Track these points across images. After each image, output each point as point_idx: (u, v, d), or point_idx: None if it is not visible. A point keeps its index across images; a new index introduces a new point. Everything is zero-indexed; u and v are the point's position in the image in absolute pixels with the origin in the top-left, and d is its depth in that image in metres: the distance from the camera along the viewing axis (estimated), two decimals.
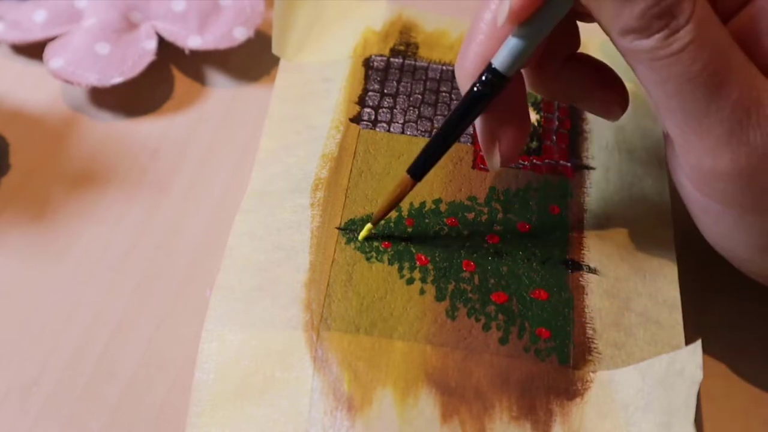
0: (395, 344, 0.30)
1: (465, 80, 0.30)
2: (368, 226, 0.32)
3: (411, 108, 0.37)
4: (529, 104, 0.38)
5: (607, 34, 0.27)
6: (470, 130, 0.36)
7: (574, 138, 0.37)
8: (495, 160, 0.31)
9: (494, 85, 0.29)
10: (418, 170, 0.31)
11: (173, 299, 0.34)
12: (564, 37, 0.31)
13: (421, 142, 0.36)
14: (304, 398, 0.28)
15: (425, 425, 0.28)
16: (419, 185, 0.33)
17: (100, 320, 0.33)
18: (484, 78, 0.29)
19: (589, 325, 0.31)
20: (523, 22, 0.28)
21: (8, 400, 0.31)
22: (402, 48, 0.40)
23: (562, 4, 0.27)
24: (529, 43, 0.28)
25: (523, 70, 0.31)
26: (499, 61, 0.29)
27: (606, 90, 0.32)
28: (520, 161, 0.36)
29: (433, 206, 0.34)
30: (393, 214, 0.33)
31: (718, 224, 0.29)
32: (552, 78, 0.31)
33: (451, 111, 0.30)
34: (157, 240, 0.35)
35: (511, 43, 0.28)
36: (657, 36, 0.26)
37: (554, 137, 0.37)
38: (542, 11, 0.27)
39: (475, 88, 0.29)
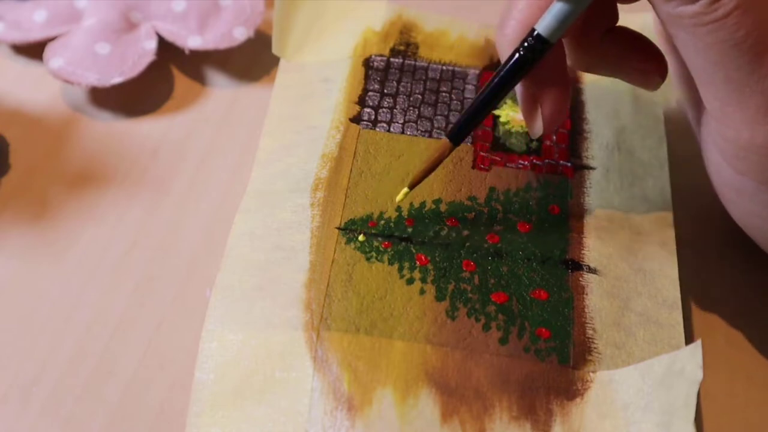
0: (395, 344, 0.30)
1: (506, 46, 0.30)
2: (405, 189, 0.33)
3: (411, 108, 0.37)
4: None
5: (651, 1, 0.27)
6: None
7: (574, 138, 0.37)
8: (537, 125, 0.31)
9: (537, 50, 0.29)
10: (458, 135, 0.32)
11: (173, 299, 0.34)
12: (603, 10, 0.31)
13: (422, 142, 0.36)
14: (304, 398, 0.28)
15: (425, 425, 0.28)
16: (419, 185, 0.33)
17: (100, 320, 0.33)
18: (527, 43, 0.29)
19: (589, 325, 0.31)
20: None
21: (8, 400, 0.31)
22: (402, 48, 0.40)
23: None
24: (574, 10, 0.28)
25: (563, 41, 0.31)
26: (543, 26, 0.29)
27: (645, 60, 0.32)
28: (520, 161, 0.36)
29: (433, 206, 0.34)
30: (393, 214, 0.33)
31: (752, 203, 0.29)
32: (591, 50, 0.31)
33: (493, 76, 0.30)
34: (157, 240, 0.35)
35: (556, 9, 0.29)
36: (702, 1, 0.26)
37: (554, 137, 0.37)
38: None
39: (518, 54, 0.30)
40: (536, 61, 0.30)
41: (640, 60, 0.32)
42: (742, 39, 0.26)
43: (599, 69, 0.33)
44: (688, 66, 0.28)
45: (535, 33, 0.29)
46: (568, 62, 0.32)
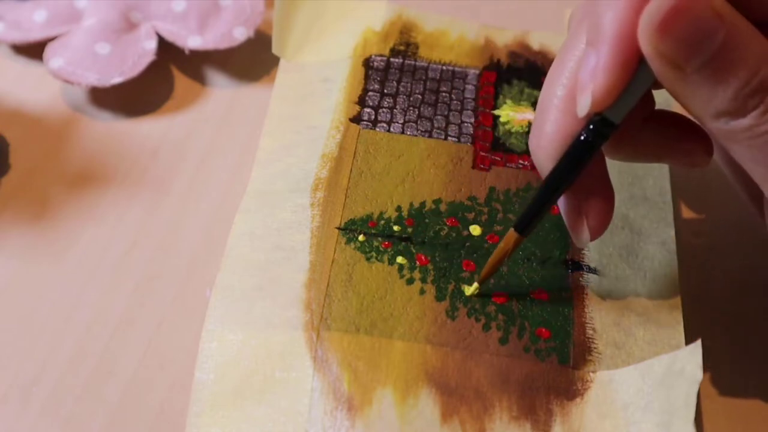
0: (395, 344, 0.30)
1: (545, 160, 0.29)
2: (475, 285, 0.31)
3: (411, 108, 0.37)
4: (529, 104, 0.38)
5: (698, 119, 0.26)
6: (470, 130, 0.36)
7: None
8: (584, 236, 0.30)
9: (601, 134, 0.27)
10: (525, 226, 0.30)
11: (173, 299, 0.34)
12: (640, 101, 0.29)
13: (422, 142, 0.36)
14: (304, 398, 0.28)
15: (425, 425, 0.28)
16: (419, 185, 0.33)
17: (100, 320, 0.33)
18: (591, 126, 0.27)
19: (589, 325, 0.31)
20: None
21: (8, 400, 0.31)
22: (402, 48, 0.40)
23: (646, 79, 0.26)
24: (638, 88, 0.27)
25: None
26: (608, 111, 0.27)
27: (688, 140, 0.30)
28: (520, 161, 0.36)
29: (433, 206, 0.34)
30: (393, 214, 0.33)
31: None
32: (633, 141, 0.30)
33: (555, 167, 0.28)
34: (157, 240, 0.35)
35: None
36: (753, 113, 0.25)
37: None
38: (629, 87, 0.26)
39: (582, 137, 0.28)
40: (601, 145, 0.28)
41: (682, 141, 0.30)
42: None
43: (644, 157, 0.31)
44: (746, 170, 0.27)
45: (600, 117, 0.27)
46: (609, 156, 0.30)
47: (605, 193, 0.30)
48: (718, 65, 0.24)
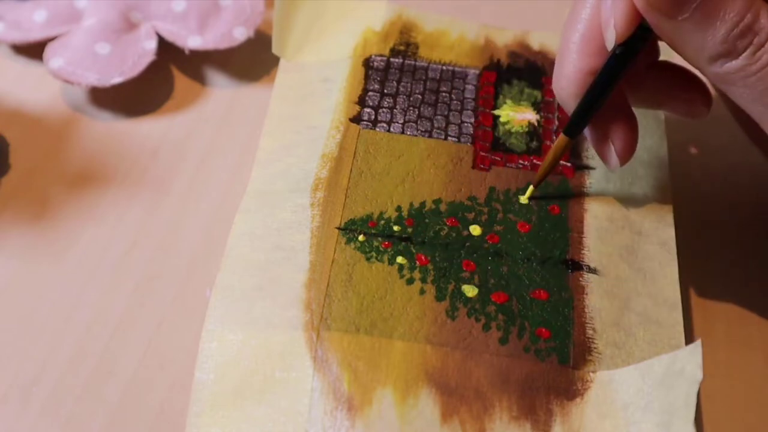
0: (395, 344, 0.30)
1: (568, 96, 0.32)
2: (531, 188, 0.34)
3: (411, 108, 0.37)
4: (529, 104, 0.38)
5: (696, 65, 0.29)
6: (470, 130, 0.36)
7: None
8: (613, 161, 0.33)
9: (641, 38, 0.30)
10: (574, 129, 0.33)
11: (173, 299, 0.34)
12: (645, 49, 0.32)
13: (422, 142, 0.36)
14: (304, 398, 0.28)
15: (425, 425, 0.28)
16: (419, 185, 0.33)
17: (100, 320, 0.33)
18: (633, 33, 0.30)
19: (589, 325, 0.31)
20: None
21: (8, 400, 0.31)
22: (402, 48, 0.40)
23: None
24: None
25: None
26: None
27: (689, 90, 0.33)
28: (520, 161, 0.36)
29: (433, 206, 0.34)
30: (393, 214, 0.33)
31: None
32: (637, 86, 0.33)
33: (600, 72, 0.31)
34: (157, 240, 0.35)
35: None
36: (744, 54, 0.27)
37: (554, 137, 0.37)
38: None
39: (626, 44, 0.30)
40: (642, 48, 0.30)
41: (683, 91, 0.33)
42: None
43: (644, 103, 0.35)
44: (747, 111, 0.29)
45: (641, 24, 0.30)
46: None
47: (629, 120, 0.33)
48: (706, 11, 0.27)
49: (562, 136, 0.33)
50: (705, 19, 0.27)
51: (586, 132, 0.33)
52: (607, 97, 0.32)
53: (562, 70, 0.32)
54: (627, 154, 0.33)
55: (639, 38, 0.30)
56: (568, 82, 0.32)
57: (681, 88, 0.34)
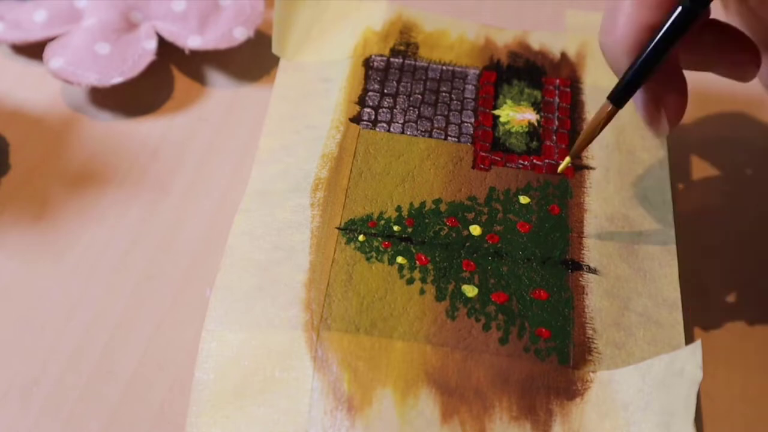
0: (395, 344, 0.30)
1: (621, 53, 0.30)
2: (567, 159, 0.33)
3: (411, 108, 0.37)
4: (529, 104, 0.38)
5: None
6: (470, 130, 0.36)
7: (574, 138, 0.37)
8: (663, 127, 0.32)
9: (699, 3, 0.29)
10: (621, 97, 0.31)
11: (173, 299, 0.34)
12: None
13: (422, 142, 0.36)
14: (304, 398, 0.28)
15: (425, 425, 0.28)
16: (419, 185, 0.33)
17: (100, 320, 0.33)
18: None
19: (589, 325, 0.31)
20: None
21: (8, 400, 0.31)
22: (402, 48, 0.40)
23: None
24: None
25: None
26: None
27: (739, 51, 0.32)
28: (520, 161, 0.36)
29: (433, 206, 0.34)
30: (393, 214, 0.33)
31: None
32: (691, 46, 0.31)
33: (651, 40, 0.29)
34: (157, 240, 0.35)
35: None
36: None
37: (554, 137, 0.37)
38: None
39: (681, 8, 0.29)
40: (698, 19, 0.29)
41: (734, 51, 0.32)
42: None
43: (695, 65, 0.33)
44: None
45: None
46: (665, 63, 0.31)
47: (680, 85, 0.31)
48: None
49: (607, 104, 0.31)
50: None
51: (638, 96, 0.31)
52: (665, 58, 0.29)
53: (617, 22, 0.29)
54: (679, 118, 0.31)
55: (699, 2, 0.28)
56: (623, 35, 0.29)
57: (731, 49, 0.32)
